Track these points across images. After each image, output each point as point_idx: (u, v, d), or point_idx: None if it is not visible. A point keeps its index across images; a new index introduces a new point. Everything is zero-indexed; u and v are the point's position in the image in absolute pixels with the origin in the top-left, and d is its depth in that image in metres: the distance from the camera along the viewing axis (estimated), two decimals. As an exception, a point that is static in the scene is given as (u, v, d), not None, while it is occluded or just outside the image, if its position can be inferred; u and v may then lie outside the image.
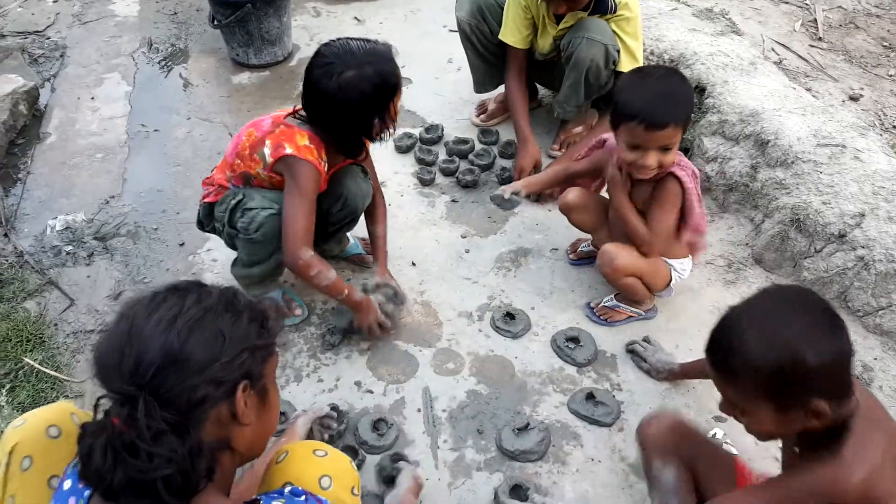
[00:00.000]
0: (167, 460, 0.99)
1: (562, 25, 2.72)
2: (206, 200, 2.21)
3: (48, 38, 3.98)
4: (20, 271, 2.52)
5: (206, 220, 2.27)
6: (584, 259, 2.65)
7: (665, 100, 2.00)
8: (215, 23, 3.56)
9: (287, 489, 1.18)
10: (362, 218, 2.45)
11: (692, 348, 2.37)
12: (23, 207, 2.85)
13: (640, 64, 2.77)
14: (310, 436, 1.93)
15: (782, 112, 2.72)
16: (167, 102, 3.51)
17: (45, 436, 1.29)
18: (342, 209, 2.27)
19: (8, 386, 2.09)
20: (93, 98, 3.52)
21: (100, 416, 1.05)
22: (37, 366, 2.15)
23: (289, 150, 1.98)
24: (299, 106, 2.12)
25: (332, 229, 2.34)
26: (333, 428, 2.02)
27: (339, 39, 2.03)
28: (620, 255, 2.26)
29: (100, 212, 2.83)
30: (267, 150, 2.01)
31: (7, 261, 2.56)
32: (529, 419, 2.09)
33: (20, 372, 2.15)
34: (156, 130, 3.30)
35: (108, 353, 1.06)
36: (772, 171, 2.63)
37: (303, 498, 1.13)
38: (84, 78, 3.68)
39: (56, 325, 2.35)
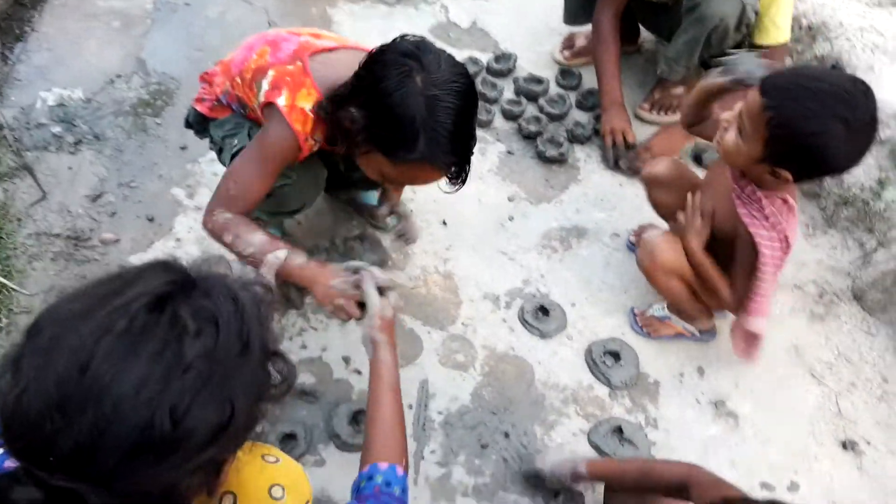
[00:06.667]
0: None
1: None
2: (198, 108, 1.79)
3: None
4: (-5, 147, 2.19)
5: (198, 128, 1.86)
6: (646, 250, 2.18)
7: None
8: None
9: None
10: None
11: (753, 389, 1.94)
12: (17, 71, 2.46)
13: (786, 36, 2.19)
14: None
15: (937, 120, 2.15)
16: (209, -28, 3.03)
17: None
18: None
19: (-55, 286, 1.79)
20: (127, -49, 3.07)
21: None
22: (-17, 268, 1.84)
23: (282, 102, 1.50)
24: (344, 41, 1.67)
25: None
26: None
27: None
28: (664, 249, 1.79)
29: (101, 91, 2.44)
30: (265, 85, 1.54)
31: (-17, 132, 2.22)
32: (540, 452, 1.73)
33: (-37, 270, 1.84)
34: (186, 4, 2.85)
35: (35, 404, 0.65)
36: (905, 192, 2.10)
37: None
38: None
39: (20, 220, 2.02)
